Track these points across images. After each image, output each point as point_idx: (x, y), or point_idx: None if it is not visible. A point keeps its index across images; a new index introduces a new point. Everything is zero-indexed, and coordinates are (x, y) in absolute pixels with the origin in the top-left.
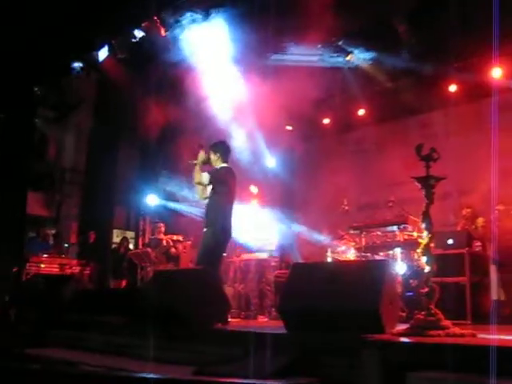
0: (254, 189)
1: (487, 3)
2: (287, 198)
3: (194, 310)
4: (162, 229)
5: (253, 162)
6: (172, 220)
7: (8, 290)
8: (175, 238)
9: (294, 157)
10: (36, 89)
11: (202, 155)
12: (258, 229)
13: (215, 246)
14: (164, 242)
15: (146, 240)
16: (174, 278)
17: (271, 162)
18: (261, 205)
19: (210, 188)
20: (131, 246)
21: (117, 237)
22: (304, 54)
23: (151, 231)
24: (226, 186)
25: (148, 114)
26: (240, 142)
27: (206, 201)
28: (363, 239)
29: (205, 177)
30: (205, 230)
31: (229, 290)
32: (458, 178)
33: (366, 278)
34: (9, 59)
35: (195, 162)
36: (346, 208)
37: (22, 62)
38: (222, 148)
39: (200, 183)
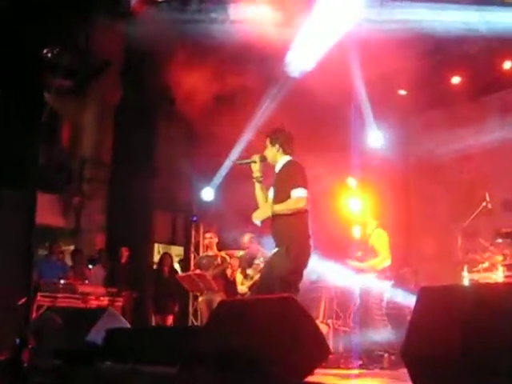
0: (351, 181)
1: None
2: (401, 191)
3: (276, 356)
4: (214, 240)
5: (349, 141)
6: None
7: (17, 329)
8: (236, 254)
9: (409, 132)
10: (45, 49)
11: (256, 167)
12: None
13: (290, 269)
14: (218, 260)
15: None
16: (247, 312)
17: (377, 140)
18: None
19: (272, 194)
20: (178, 267)
21: (158, 253)
22: None
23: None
24: (299, 188)
25: (194, 80)
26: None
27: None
28: None
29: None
30: (274, 250)
31: (322, 328)
32: None
33: None
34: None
35: (243, 162)
36: (489, 206)
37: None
38: (282, 136)
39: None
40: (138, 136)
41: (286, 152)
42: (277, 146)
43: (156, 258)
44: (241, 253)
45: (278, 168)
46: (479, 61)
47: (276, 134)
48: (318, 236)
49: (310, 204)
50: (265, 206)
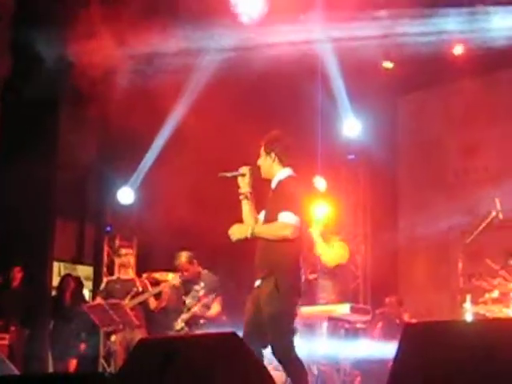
0: (318, 182)
1: None
2: (385, 197)
3: None
4: (132, 258)
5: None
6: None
7: None
8: (159, 276)
9: (396, 118)
10: None
11: (245, 180)
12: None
13: (282, 310)
14: (138, 286)
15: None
16: (176, 354)
17: (353, 127)
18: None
19: (262, 215)
20: (86, 293)
21: (59, 275)
22: None
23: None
24: (290, 212)
25: (105, 47)
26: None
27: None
28: None
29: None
30: (258, 282)
31: (277, 377)
32: None
33: None
34: None
35: (229, 175)
36: (500, 217)
37: None
38: (279, 144)
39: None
40: (34, 118)
41: (283, 163)
42: (272, 155)
43: (56, 281)
44: (170, 275)
45: (274, 183)
46: None
47: (272, 142)
48: None
49: (298, 233)
50: (250, 223)
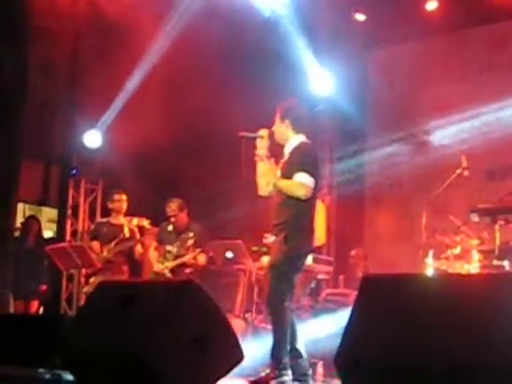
0: None
1: None
2: (354, 147)
3: (170, 360)
4: (124, 205)
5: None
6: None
7: None
8: (135, 221)
9: (366, 72)
10: None
11: (263, 143)
12: None
13: (282, 259)
14: (125, 232)
15: (81, 223)
16: (135, 298)
17: (325, 84)
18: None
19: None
20: (48, 234)
21: (23, 217)
22: None
23: (93, 206)
24: (306, 173)
25: None
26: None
27: (273, 197)
28: (497, 234)
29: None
30: (272, 239)
31: (237, 325)
32: None
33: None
34: None
35: (249, 135)
36: (465, 173)
37: None
38: (294, 111)
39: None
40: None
41: (296, 130)
42: (286, 121)
43: (20, 222)
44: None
45: (288, 149)
46: None
47: (287, 110)
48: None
49: (310, 194)
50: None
